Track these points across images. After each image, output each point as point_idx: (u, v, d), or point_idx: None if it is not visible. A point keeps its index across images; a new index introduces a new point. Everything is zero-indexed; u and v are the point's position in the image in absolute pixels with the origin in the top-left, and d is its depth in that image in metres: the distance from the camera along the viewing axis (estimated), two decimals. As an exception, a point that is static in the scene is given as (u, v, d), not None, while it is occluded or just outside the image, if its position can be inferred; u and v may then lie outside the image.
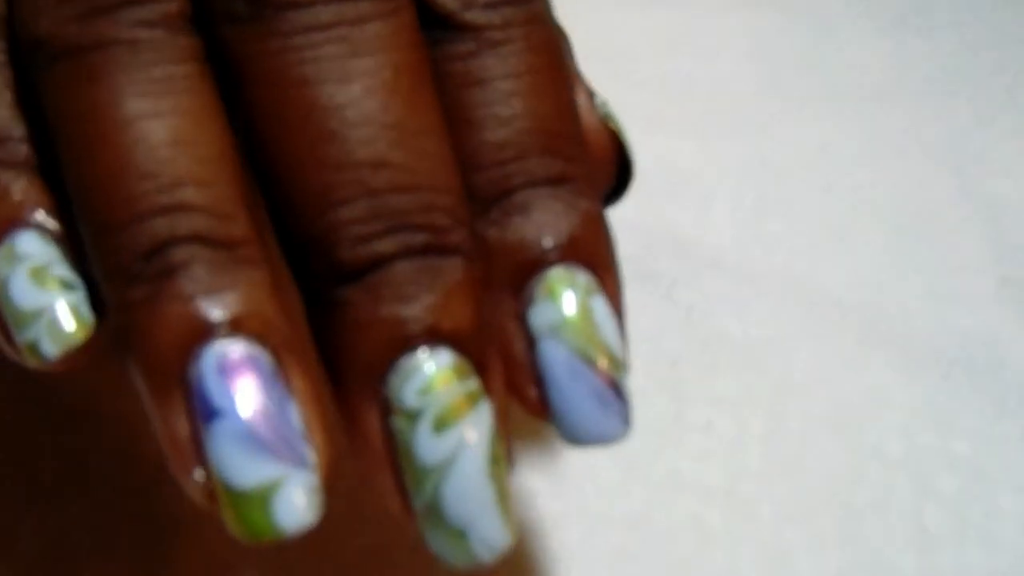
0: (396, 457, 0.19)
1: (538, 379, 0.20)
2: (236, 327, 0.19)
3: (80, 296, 0.20)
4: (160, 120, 0.19)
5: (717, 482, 0.28)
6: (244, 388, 0.18)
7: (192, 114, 0.19)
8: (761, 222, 0.32)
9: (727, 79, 0.36)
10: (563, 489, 0.27)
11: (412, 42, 0.20)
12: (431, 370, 0.19)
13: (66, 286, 0.20)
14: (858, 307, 0.31)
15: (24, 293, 0.20)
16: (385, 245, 0.19)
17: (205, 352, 0.19)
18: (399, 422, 0.19)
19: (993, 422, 0.29)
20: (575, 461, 0.28)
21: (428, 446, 0.19)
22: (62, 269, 0.20)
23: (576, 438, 0.20)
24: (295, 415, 0.19)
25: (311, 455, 0.19)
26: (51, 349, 0.20)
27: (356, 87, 0.19)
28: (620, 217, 0.32)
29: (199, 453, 0.19)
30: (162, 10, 0.20)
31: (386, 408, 0.19)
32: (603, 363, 0.20)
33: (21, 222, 0.20)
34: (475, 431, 0.19)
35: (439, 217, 0.19)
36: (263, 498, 0.18)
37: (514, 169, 0.20)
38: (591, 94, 0.24)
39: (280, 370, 0.19)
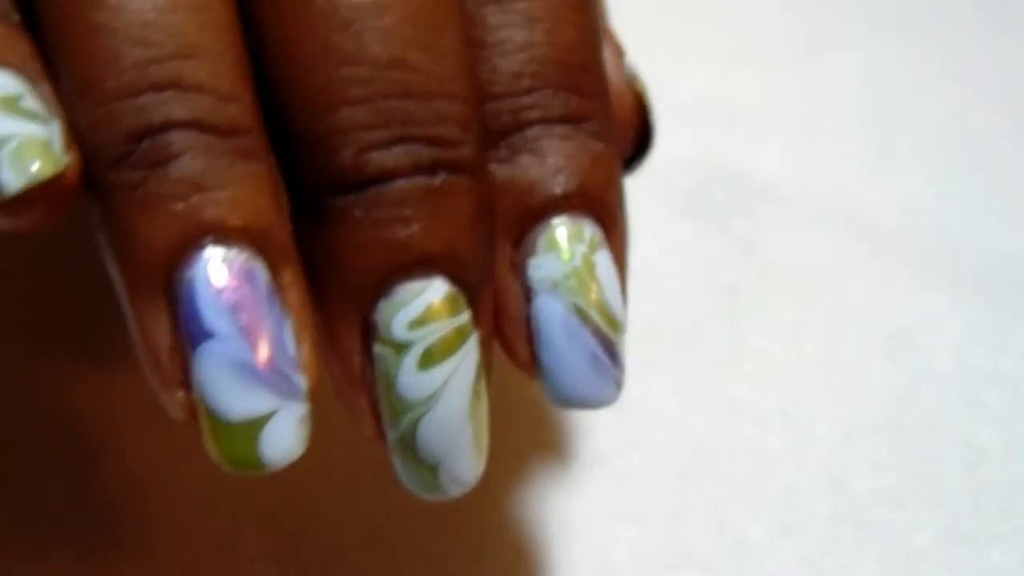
0: (374, 384, 0.18)
1: (530, 335, 0.19)
2: (234, 232, 0.17)
3: (54, 130, 0.17)
4: None
5: (775, 407, 0.29)
6: (241, 308, 0.17)
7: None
8: (812, 151, 0.33)
9: (775, 9, 0.36)
10: (624, 418, 0.28)
11: None
12: (424, 302, 0.18)
13: (38, 117, 0.17)
14: (908, 232, 0.31)
15: None
16: (391, 158, 0.17)
17: (198, 259, 0.17)
18: (384, 351, 0.18)
19: (1042, 340, 0.30)
20: (634, 391, 0.28)
21: (412, 381, 0.18)
22: (35, 103, 0.17)
23: (564, 399, 0.19)
24: (289, 338, 0.17)
25: (303, 383, 0.18)
26: (12, 179, 0.16)
27: None
28: (673, 151, 0.32)
29: (183, 371, 0.17)
30: None
31: (370, 333, 0.18)
32: (601, 324, 0.19)
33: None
34: (461, 370, 0.18)
35: (451, 129, 0.17)
36: (251, 430, 0.17)
37: (528, 102, 0.19)
38: (620, 52, 0.23)
39: (276, 284, 0.17)
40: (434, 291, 0.18)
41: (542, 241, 0.19)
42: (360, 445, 0.26)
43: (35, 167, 0.17)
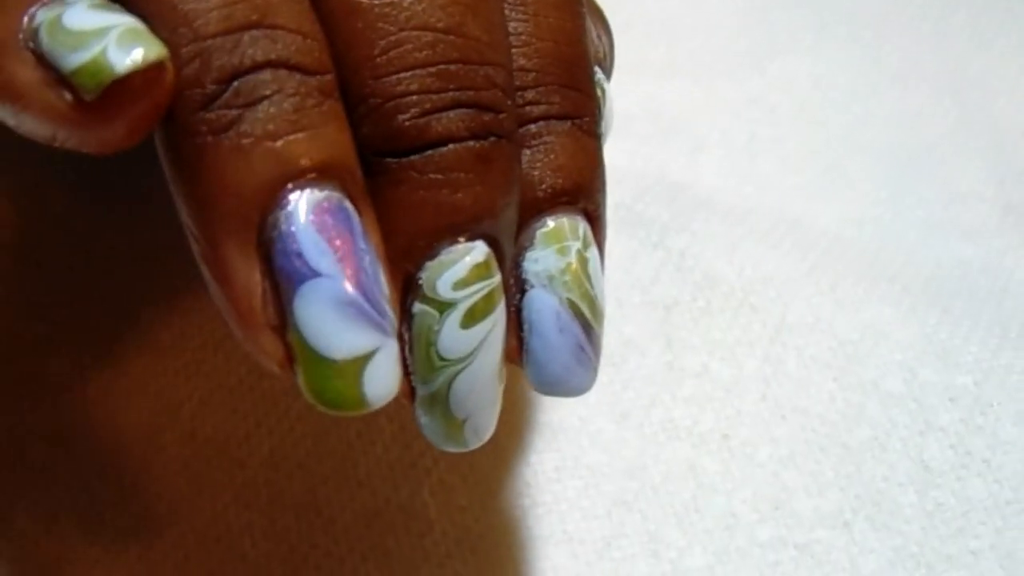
0: (409, 341, 0.18)
1: (519, 325, 0.20)
2: (328, 171, 0.17)
3: (146, 27, 0.17)
4: None
5: (714, 428, 0.28)
6: (341, 247, 0.17)
7: None
8: (753, 162, 0.32)
9: (713, 16, 0.35)
10: (558, 443, 0.27)
11: None
12: (469, 263, 0.18)
13: (130, 13, 0.17)
14: (855, 243, 0.30)
15: (84, 16, 0.17)
16: (449, 122, 0.18)
17: (297, 199, 0.17)
18: (425, 309, 0.18)
19: (996, 353, 0.29)
20: (568, 414, 0.28)
21: (454, 339, 0.18)
22: (127, 16, 0.17)
23: (548, 387, 0.20)
24: (383, 277, 0.17)
25: (396, 321, 0.18)
26: (122, 58, 0.16)
27: None
28: (609, 164, 0.31)
29: (278, 315, 0.17)
30: None
31: (413, 291, 0.18)
32: (589, 317, 0.20)
33: None
34: (496, 329, 0.19)
35: (499, 96, 0.18)
36: (355, 368, 0.17)
37: (533, 96, 0.19)
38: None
39: (364, 222, 0.17)
40: (478, 252, 0.18)
41: (540, 235, 0.20)
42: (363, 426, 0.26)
43: (142, 51, 0.16)
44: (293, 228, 0.17)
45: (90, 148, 0.17)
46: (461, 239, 0.18)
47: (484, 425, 0.19)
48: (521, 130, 0.19)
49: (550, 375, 0.20)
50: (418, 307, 0.18)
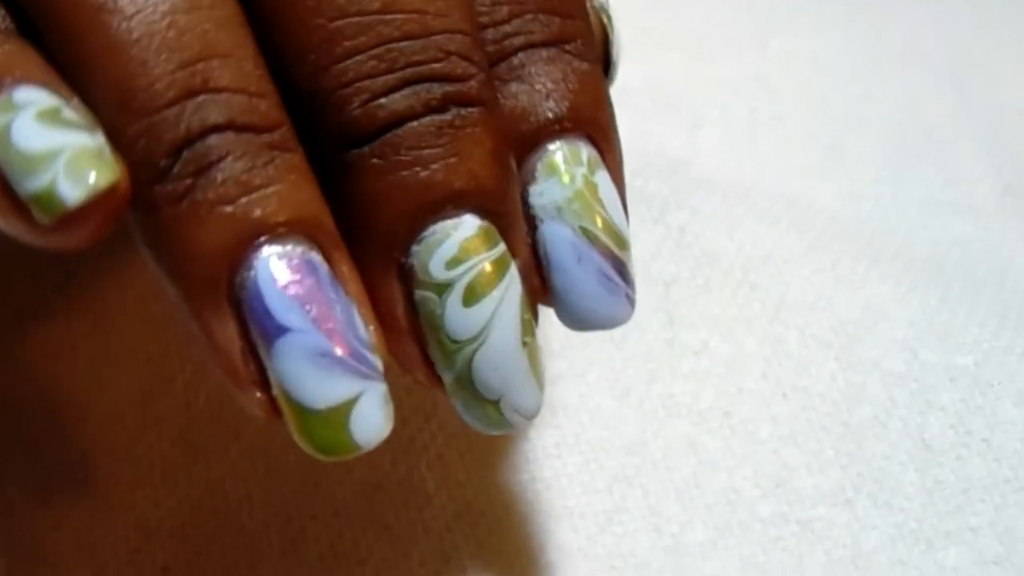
0: (421, 329, 0.18)
1: (539, 263, 0.19)
2: (287, 226, 0.17)
3: (100, 140, 0.16)
4: None
5: (714, 405, 0.27)
6: (308, 299, 0.17)
7: None
8: (753, 140, 0.32)
9: (716, -7, 0.35)
10: (558, 419, 0.27)
11: None
12: (458, 239, 0.18)
13: (83, 127, 0.16)
14: (855, 222, 0.30)
15: (32, 135, 0.16)
16: (400, 101, 0.17)
17: (256, 259, 0.17)
18: (425, 295, 0.18)
19: (996, 334, 0.28)
20: (568, 390, 0.28)
21: (459, 319, 0.18)
22: (75, 114, 0.17)
23: (581, 322, 0.20)
24: (359, 321, 0.18)
25: (379, 364, 0.18)
26: (73, 192, 0.16)
27: None
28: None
29: (259, 371, 0.17)
30: None
31: (409, 279, 0.18)
32: (609, 243, 0.19)
33: (18, 77, 0.17)
34: (506, 301, 0.18)
35: (456, 64, 0.18)
36: (340, 416, 0.17)
37: (510, 29, 0.19)
38: None
39: (335, 271, 0.18)
40: (466, 227, 0.18)
41: (541, 167, 0.19)
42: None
43: (92, 177, 0.16)
44: (258, 287, 0.17)
45: (52, 250, 0.17)
46: (445, 217, 0.18)
47: (525, 403, 0.19)
48: (503, 64, 0.19)
49: (579, 309, 0.19)
50: (418, 294, 0.18)
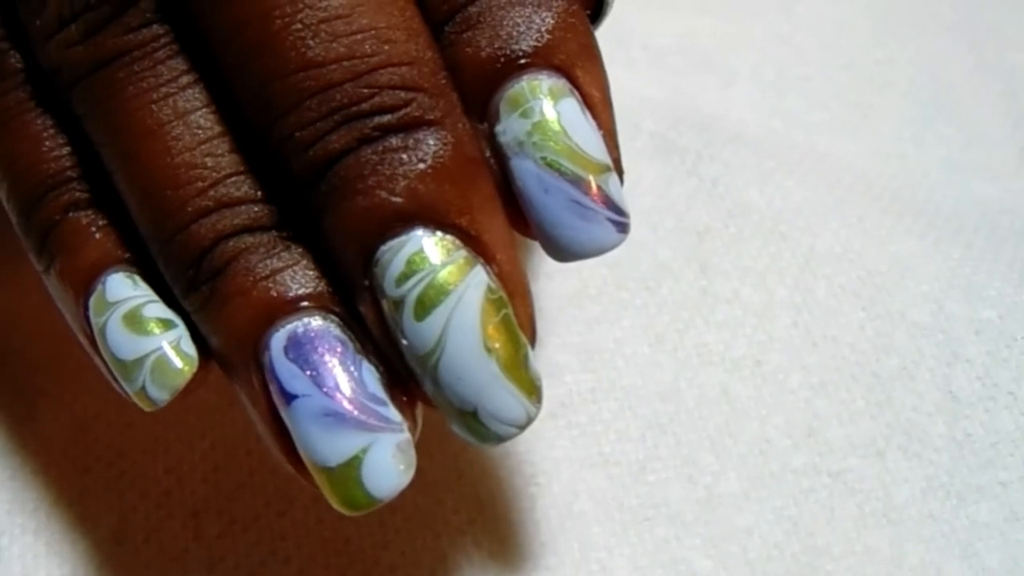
0: (397, 346, 0.19)
1: (514, 198, 0.19)
2: (294, 305, 0.19)
3: (178, 332, 0.20)
4: (181, 121, 0.19)
5: (746, 354, 0.27)
6: (315, 365, 0.18)
7: (205, 106, 0.19)
8: (781, 97, 0.32)
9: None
10: (593, 364, 0.27)
11: None
12: (404, 256, 0.18)
13: (163, 325, 0.20)
14: (880, 178, 0.30)
15: (121, 342, 0.19)
16: (335, 140, 0.18)
17: (271, 338, 0.18)
18: (390, 314, 0.18)
19: (1018, 288, 0.29)
20: (604, 336, 0.27)
21: (414, 333, 0.18)
22: (155, 308, 0.20)
23: (563, 251, 0.20)
24: (370, 376, 0.19)
25: (394, 414, 0.19)
26: (159, 394, 0.19)
27: None
28: (643, 94, 0.31)
29: (286, 434, 0.19)
30: (140, 11, 0.19)
31: (377, 300, 0.18)
32: (577, 169, 0.19)
33: (108, 264, 0.20)
34: (460, 309, 0.18)
35: (387, 96, 0.18)
36: (350, 470, 0.18)
37: None
38: None
39: (347, 334, 0.19)
40: (413, 243, 0.18)
41: (501, 105, 0.19)
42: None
43: (174, 375, 0.19)
44: (270, 362, 0.18)
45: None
46: (394, 236, 0.18)
47: (503, 412, 0.19)
48: (458, 17, 0.19)
49: (557, 238, 0.19)
50: (385, 313, 0.18)
